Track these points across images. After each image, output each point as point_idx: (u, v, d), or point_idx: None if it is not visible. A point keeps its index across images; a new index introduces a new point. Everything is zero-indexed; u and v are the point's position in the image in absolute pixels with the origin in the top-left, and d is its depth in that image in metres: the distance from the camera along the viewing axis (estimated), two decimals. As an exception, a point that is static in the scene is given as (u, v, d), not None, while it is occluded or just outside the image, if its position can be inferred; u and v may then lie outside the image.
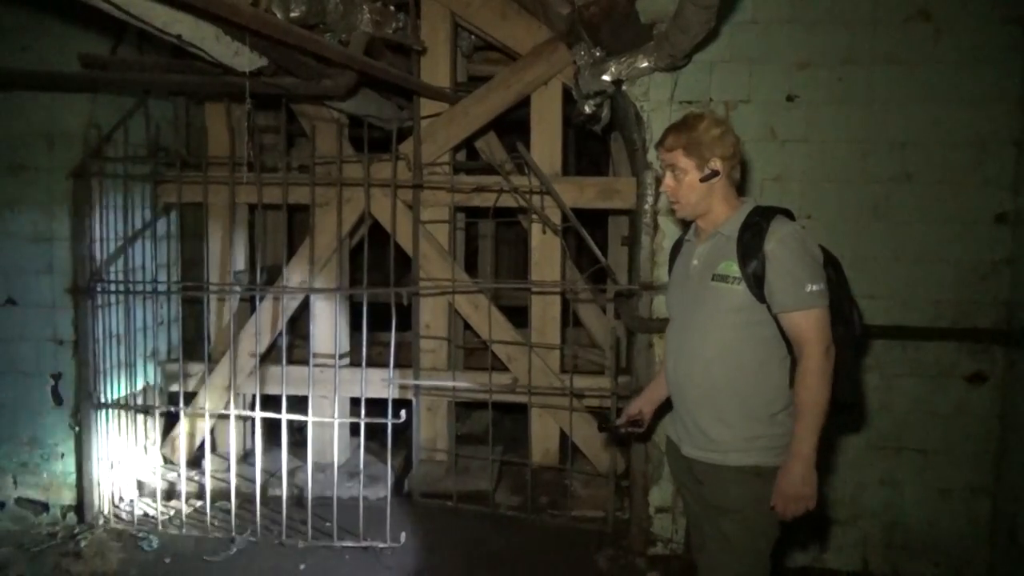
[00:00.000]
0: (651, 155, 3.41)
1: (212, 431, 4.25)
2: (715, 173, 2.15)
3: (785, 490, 2.02)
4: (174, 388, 4.10)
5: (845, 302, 2.16)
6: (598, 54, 3.38)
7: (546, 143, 4.05)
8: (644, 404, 2.52)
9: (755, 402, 2.11)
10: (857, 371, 2.19)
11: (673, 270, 2.45)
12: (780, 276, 2.03)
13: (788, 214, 2.19)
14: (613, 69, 3.31)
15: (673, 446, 2.37)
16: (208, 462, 3.87)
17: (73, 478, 3.81)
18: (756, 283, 2.06)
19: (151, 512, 3.80)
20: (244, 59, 2.62)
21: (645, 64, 3.25)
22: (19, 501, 3.83)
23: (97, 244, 3.77)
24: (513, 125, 4.54)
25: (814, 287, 2.01)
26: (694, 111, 2.28)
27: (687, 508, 2.47)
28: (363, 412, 3.57)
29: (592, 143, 5.94)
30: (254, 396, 4.03)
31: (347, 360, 4.37)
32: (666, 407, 2.47)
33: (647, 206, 3.42)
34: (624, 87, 3.39)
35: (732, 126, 2.22)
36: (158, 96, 4.07)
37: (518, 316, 4.30)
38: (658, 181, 3.40)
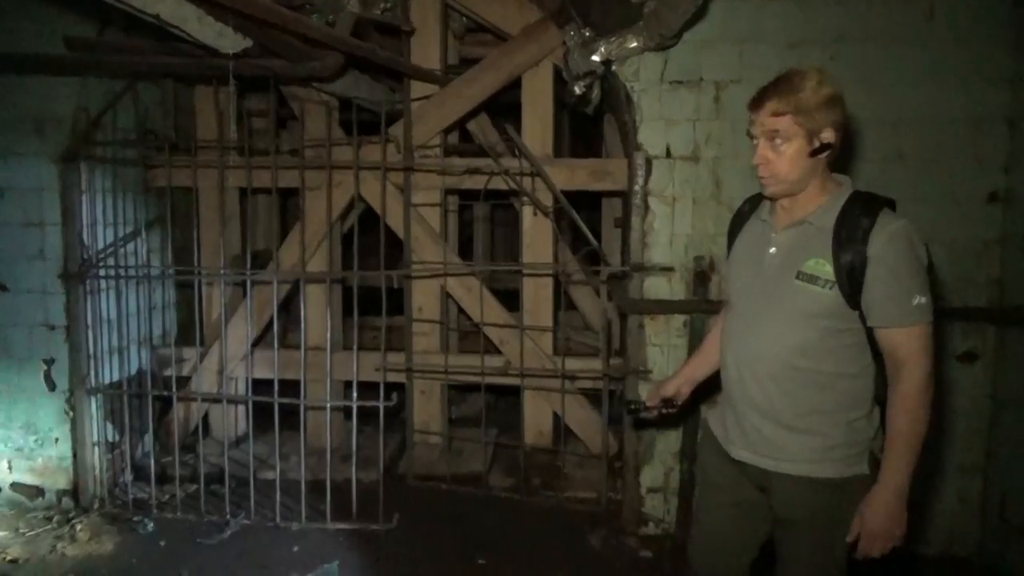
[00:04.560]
0: (641, 136, 3.39)
1: (206, 416, 4.26)
2: (827, 146, 1.81)
3: (872, 527, 1.77)
4: (168, 373, 4.11)
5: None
6: (588, 34, 3.35)
7: (537, 125, 4.03)
8: (682, 384, 2.28)
9: (831, 411, 1.87)
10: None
11: (737, 250, 2.12)
12: (885, 285, 1.74)
13: (892, 205, 1.86)
14: (603, 49, 3.28)
15: (713, 440, 2.14)
16: (202, 446, 3.88)
17: (68, 463, 3.81)
18: (852, 289, 1.77)
19: (146, 496, 3.82)
20: (228, 41, 2.60)
21: (635, 44, 3.23)
22: (14, 486, 3.84)
23: (87, 229, 3.76)
24: (506, 107, 4.52)
25: (921, 299, 1.74)
26: (797, 67, 1.87)
27: (708, 509, 2.22)
28: (355, 395, 3.57)
29: (587, 125, 5.91)
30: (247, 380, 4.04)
31: (340, 344, 4.37)
32: (704, 388, 2.32)
33: (638, 187, 3.40)
34: (614, 67, 3.37)
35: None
36: (147, 80, 4.04)
37: (514, 300, 4.30)
38: (648, 162, 3.39)
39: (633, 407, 2.37)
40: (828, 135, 1.81)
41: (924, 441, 1.77)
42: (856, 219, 1.79)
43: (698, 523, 2.30)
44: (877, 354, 1.86)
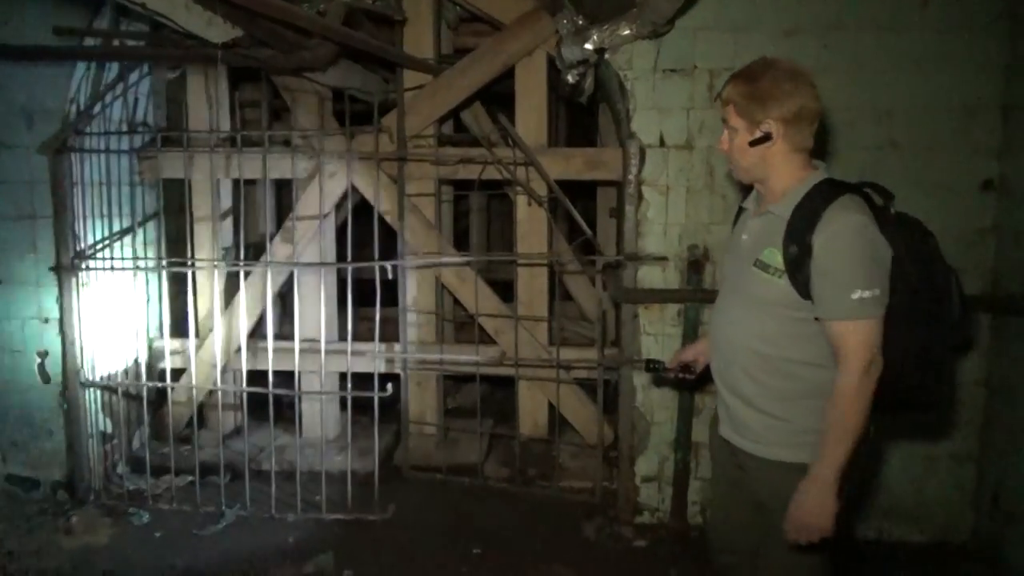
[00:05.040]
0: (635, 124, 3.38)
1: (201, 407, 4.25)
2: (767, 137, 1.85)
3: (796, 516, 1.80)
4: (162, 365, 4.10)
5: (939, 288, 1.82)
6: (580, 22, 3.33)
7: (531, 114, 4.01)
8: (700, 353, 2.31)
9: (798, 398, 1.89)
10: (943, 368, 1.85)
11: (730, 239, 2.20)
12: (824, 278, 1.75)
13: (863, 193, 1.85)
14: (595, 37, 3.26)
15: (715, 421, 2.21)
16: (197, 438, 3.88)
17: (63, 455, 3.81)
18: (801, 279, 1.79)
19: (141, 488, 3.82)
20: (217, 30, 2.58)
21: (627, 32, 3.21)
22: (9, 478, 3.84)
23: (80, 221, 3.74)
24: (501, 97, 4.50)
25: (865, 294, 1.71)
26: (768, 56, 1.93)
27: (715, 486, 2.30)
28: (349, 386, 3.57)
29: (584, 115, 5.88)
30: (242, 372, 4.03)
31: (335, 335, 4.36)
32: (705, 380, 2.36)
33: (631, 176, 3.39)
34: (607, 56, 3.35)
35: (813, 81, 1.86)
36: (137, 71, 4.01)
37: (511, 290, 4.29)
38: (642, 151, 3.38)
39: (653, 366, 2.42)
40: (768, 127, 1.84)
41: (859, 436, 1.77)
42: (808, 210, 1.79)
43: (712, 498, 2.44)
44: None
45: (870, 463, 3.30)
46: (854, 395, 1.74)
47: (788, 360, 1.88)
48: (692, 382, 2.48)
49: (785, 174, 1.89)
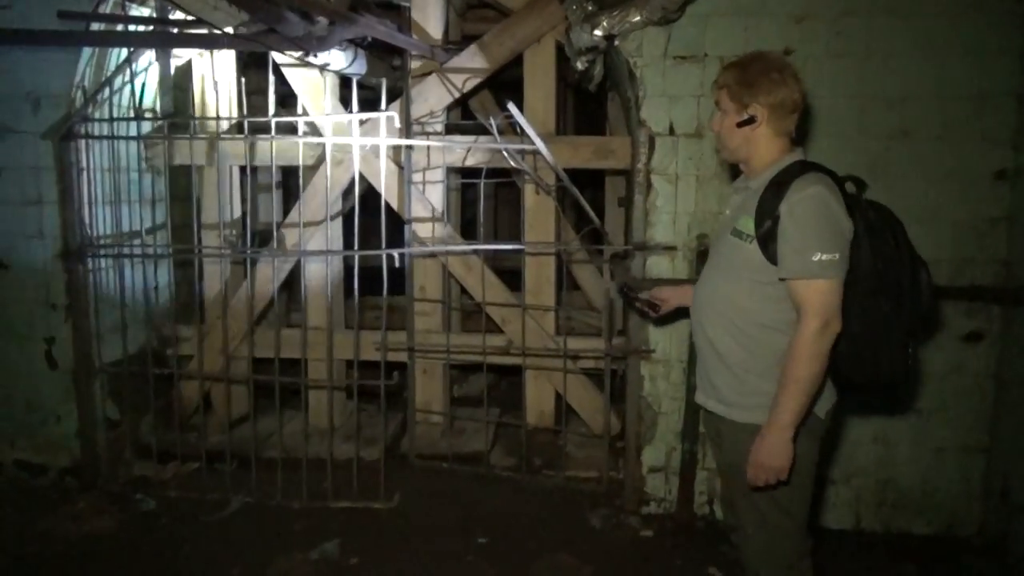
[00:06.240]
0: (644, 112, 3.35)
1: (208, 394, 4.25)
2: (751, 119, 2.02)
3: (756, 458, 1.95)
4: (169, 352, 4.10)
5: (903, 274, 1.96)
6: (590, 8, 3.30)
7: (539, 102, 3.98)
8: (672, 296, 2.49)
9: (759, 360, 2.02)
10: (903, 350, 1.98)
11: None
12: (787, 241, 1.91)
13: (828, 172, 2.00)
14: (605, 23, 3.23)
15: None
16: (204, 425, 3.88)
17: (70, 441, 3.82)
18: (768, 244, 1.95)
19: (148, 474, 3.83)
20: (223, 15, 2.55)
21: (637, 18, 3.18)
22: (17, 464, 3.85)
23: (87, 207, 3.73)
24: (509, 84, 4.46)
25: (824, 256, 1.86)
26: (764, 50, 2.17)
27: (716, 460, 2.41)
28: (356, 374, 3.56)
29: (592, 103, 5.85)
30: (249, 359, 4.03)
31: (342, 324, 4.36)
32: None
33: (640, 165, 3.36)
34: (616, 42, 3.31)
35: (798, 75, 2.03)
36: (143, 56, 3.99)
37: (519, 279, 4.27)
38: (651, 139, 3.35)
39: (626, 289, 2.63)
40: (754, 110, 2.01)
41: (813, 388, 1.92)
42: (779, 184, 1.96)
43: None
44: None
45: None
46: (808, 348, 1.88)
47: (755, 324, 2.03)
48: (652, 318, 2.79)
49: (765, 155, 2.06)
